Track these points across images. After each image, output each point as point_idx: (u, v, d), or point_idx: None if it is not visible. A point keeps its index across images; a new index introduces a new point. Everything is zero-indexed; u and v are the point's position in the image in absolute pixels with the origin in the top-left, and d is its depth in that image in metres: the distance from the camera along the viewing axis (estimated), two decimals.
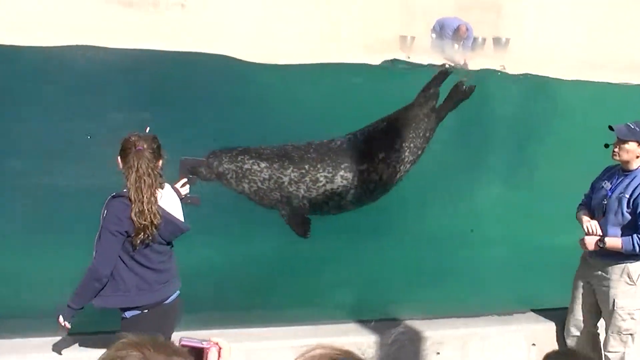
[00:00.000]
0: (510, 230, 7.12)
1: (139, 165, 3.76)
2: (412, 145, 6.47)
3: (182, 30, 6.83)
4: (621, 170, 5.06)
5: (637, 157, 4.96)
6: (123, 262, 3.88)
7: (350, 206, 6.53)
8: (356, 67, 6.81)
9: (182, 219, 4.07)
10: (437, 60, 7.70)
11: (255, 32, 6.76)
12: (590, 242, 5.04)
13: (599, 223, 5.07)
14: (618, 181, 5.04)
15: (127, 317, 3.93)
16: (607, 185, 5.10)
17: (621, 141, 4.92)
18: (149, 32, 6.68)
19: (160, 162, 3.93)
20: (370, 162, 6.39)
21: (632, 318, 5.12)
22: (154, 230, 3.80)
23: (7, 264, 5.68)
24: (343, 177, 6.37)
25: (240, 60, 6.46)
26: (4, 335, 4.77)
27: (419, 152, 6.58)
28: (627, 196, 4.92)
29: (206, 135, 6.44)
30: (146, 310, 3.92)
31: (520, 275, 6.59)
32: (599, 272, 5.15)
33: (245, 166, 6.22)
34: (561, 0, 8.42)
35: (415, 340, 5.45)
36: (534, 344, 5.63)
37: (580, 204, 5.37)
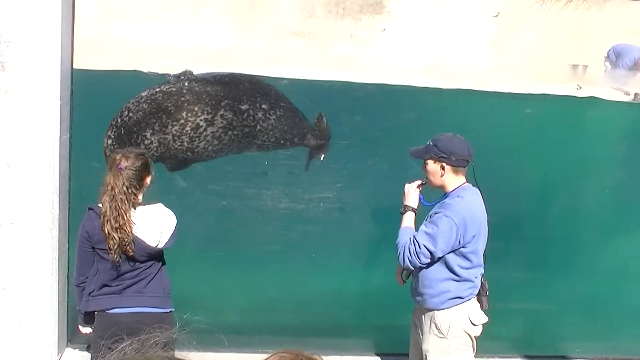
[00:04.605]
0: None
1: (114, 184, 3.99)
2: None
3: (351, 60, 6.98)
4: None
5: (442, 175, 4.23)
6: (97, 270, 4.16)
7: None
8: (526, 96, 6.70)
9: (155, 239, 4.10)
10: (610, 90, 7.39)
11: (429, 61, 6.77)
12: (410, 188, 4.41)
13: None
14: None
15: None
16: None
17: (424, 164, 4.33)
18: (321, 61, 6.91)
19: (148, 179, 4.13)
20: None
21: None
22: (126, 246, 3.99)
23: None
24: (223, 116, 5.86)
25: (404, 86, 6.48)
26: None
27: None
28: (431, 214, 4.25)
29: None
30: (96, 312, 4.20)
31: None
32: (418, 317, 4.49)
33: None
34: None
35: None
36: None
37: None
